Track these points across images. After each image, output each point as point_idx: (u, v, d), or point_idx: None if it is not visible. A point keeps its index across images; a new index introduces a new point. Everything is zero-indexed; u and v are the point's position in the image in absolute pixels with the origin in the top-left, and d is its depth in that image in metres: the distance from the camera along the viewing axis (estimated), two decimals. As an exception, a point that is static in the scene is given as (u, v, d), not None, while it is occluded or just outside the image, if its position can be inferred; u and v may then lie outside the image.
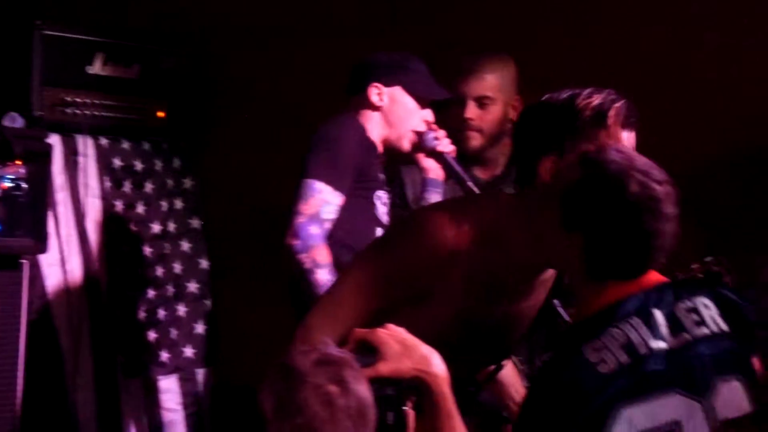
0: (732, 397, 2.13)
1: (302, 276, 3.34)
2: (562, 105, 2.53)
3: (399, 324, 2.41)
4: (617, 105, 2.51)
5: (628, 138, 2.51)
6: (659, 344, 2.10)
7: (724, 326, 2.17)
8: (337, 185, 3.41)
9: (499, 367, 2.86)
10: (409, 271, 2.61)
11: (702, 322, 2.16)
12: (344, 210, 3.42)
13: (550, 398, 2.12)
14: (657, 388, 2.08)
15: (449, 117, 4.10)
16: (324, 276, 3.31)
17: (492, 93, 3.98)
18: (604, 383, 2.07)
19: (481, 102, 3.99)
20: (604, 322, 2.13)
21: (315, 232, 3.35)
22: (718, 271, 4.02)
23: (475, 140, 4.04)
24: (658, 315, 2.13)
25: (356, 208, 3.48)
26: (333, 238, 3.41)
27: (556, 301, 3.39)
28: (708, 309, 2.18)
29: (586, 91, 2.54)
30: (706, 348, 2.13)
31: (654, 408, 2.07)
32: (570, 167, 2.23)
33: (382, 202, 3.64)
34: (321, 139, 3.44)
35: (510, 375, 3.03)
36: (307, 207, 3.37)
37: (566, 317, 3.42)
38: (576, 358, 2.10)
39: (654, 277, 2.20)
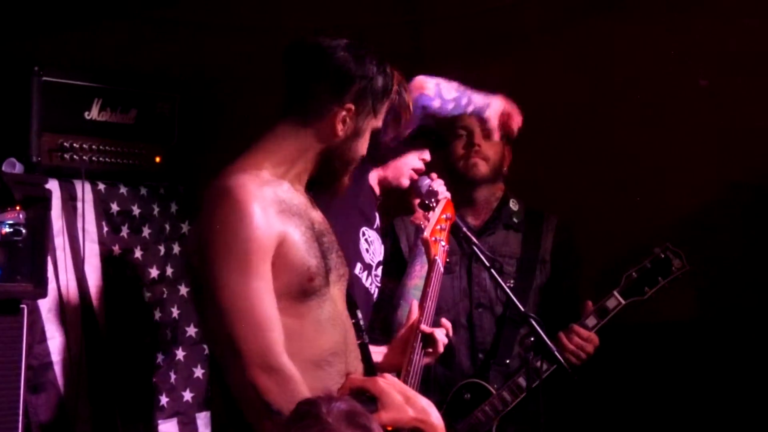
0: None
1: None
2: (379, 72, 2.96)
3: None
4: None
5: None
6: None
7: None
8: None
9: None
10: (244, 238, 2.81)
11: None
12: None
13: None
14: None
15: (450, 152, 4.16)
16: None
17: (496, 123, 4.06)
18: None
19: (486, 131, 4.06)
20: None
21: None
22: (665, 257, 4.12)
23: (483, 167, 4.14)
24: None
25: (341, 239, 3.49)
26: None
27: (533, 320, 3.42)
28: None
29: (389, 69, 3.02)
30: None
31: None
32: None
33: (365, 239, 3.64)
34: None
35: None
36: None
37: (551, 346, 3.45)
38: None
39: None
